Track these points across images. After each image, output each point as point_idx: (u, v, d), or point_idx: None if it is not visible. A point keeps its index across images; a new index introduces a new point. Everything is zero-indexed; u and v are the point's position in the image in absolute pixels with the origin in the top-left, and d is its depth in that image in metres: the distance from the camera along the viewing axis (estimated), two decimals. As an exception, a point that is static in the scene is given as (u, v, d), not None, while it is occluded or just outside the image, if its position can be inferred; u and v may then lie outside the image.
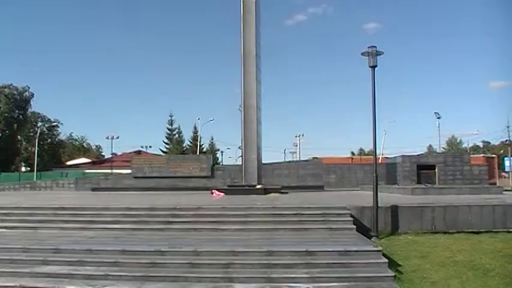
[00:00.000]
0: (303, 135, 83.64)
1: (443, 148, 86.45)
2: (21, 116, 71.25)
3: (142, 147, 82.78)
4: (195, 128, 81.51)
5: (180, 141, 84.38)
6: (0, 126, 67.81)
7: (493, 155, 61.08)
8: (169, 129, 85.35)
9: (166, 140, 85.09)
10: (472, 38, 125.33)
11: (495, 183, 42.26)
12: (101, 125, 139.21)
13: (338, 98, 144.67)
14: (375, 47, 15.89)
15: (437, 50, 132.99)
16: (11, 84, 69.74)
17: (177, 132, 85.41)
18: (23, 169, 72.63)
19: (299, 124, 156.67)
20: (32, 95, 71.80)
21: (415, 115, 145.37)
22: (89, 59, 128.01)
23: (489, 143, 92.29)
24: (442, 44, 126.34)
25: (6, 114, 67.84)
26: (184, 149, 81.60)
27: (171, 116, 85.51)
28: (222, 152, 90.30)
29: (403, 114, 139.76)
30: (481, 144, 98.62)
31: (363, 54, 15.90)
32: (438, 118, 66.44)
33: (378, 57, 15.83)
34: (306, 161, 45.71)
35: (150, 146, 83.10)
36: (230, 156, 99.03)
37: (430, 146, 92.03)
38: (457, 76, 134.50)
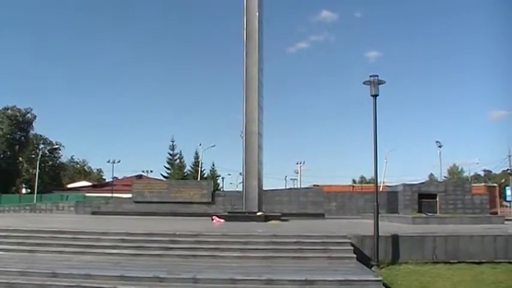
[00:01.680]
0: (304, 162, 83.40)
1: (445, 177, 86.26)
2: (23, 138, 71.48)
3: (143, 171, 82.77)
4: (197, 153, 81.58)
5: (181, 166, 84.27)
6: (2, 148, 68.01)
7: (495, 184, 60.94)
8: (170, 154, 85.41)
9: (167, 165, 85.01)
10: (472, 68, 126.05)
11: (496, 213, 42.10)
12: (102, 149, 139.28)
13: (339, 126, 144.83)
14: (377, 76, 15.98)
15: (437, 79, 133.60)
16: (14, 106, 70.17)
17: (178, 158, 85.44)
18: (24, 191, 72.59)
19: (300, 151, 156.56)
20: (35, 117, 72.28)
21: (417, 144, 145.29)
22: (93, 83, 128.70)
23: (490, 172, 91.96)
24: (442, 74, 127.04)
25: (8, 136, 68.08)
26: (185, 174, 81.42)
27: (172, 141, 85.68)
28: (223, 178, 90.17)
29: (404, 142, 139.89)
30: (482, 173, 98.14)
31: (364, 83, 15.99)
32: (439, 147, 66.48)
33: (379, 86, 15.92)
34: (307, 188, 45.49)
35: (151, 171, 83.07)
36: (231, 182, 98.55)
37: (432, 174, 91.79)
38: (458, 105, 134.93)
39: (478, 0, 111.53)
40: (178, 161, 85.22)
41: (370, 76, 15.98)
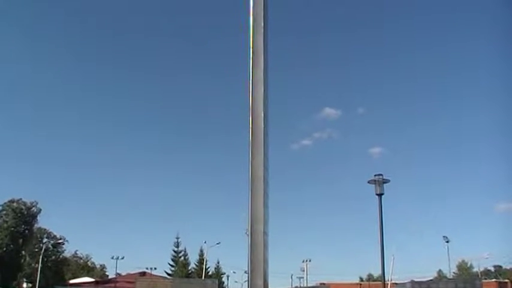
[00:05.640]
0: (310, 260, 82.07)
1: (454, 273, 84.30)
2: (27, 231, 71.09)
3: (147, 268, 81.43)
4: (201, 250, 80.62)
5: (186, 263, 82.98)
6: (5, 241, 67.49)
7: (506, 280, 59.56)
8: (175, 251, 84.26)
9: (171, 262, 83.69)
10: (475, 160, 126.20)
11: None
12: (106, 244, 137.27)
13: (345, 222, 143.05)
14: (381, 175, 16.14)
15: (442, 172, 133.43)
16: (20, 199, 70.42)
17: (183, 255, 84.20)
18: (25, 285, 71.31)
19: (306, 249, 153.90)
20: (40, 210, 72.19)
21: (423, 239, 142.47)
22: (96, 176, 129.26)
23: (501, 267, 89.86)
24: (444, 167, 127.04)
25: (12, 229, 67.75)
26: (190, 272, 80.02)
27: (177, 238, 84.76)
28: (228, 276, 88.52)
29: (411, 238, 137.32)
30: (492, 269, 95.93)
31: (369, 182, 16.12)
32: (447, 242, 65.69)
33: (384, 184, 16.02)
34: (314, 287, 44.59)
35: (155, 268, 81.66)
36: (236, 280, 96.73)
37: (440, 270, 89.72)
38: (463, 199, 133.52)
39: (477, 89, 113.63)
40: (182, 258, 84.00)
41: (375, 175, 16.15)
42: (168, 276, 72.88)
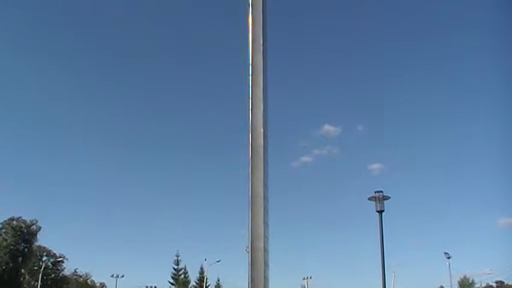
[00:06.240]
0: (311, 277, 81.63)
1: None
2: (26, 250, 70.77)
3: (147, 286, 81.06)
4: (202, 268, 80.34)
5: (186, 281, 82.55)
6: (4, 259, 67.18)
7: (509, 296, 59.22)
8: (175, 269, 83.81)
9: (172, 280, 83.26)
10: (476, 177, 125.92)
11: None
12: (106, 262, 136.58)
13: (346, 239, 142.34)
14: (382, 191, 16.12)
15: (443, 189, 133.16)
16: (20, 217, 70.23)
17: (183, 273, 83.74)
18: (24, 304, 70.87)
19: (307, 266, 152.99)
20: (40, 228, 71.92)
21: (425, 255, 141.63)
22: (96, 194, 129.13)
23: (503, 282, 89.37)
24: (447, 182, 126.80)
25: (12, 247, 67.48)
26: (190, 290, 79.81)
27: (177, 256, 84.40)
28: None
29: (412, 254, 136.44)
30: (494, 284, 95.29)
31: (369, 199, 16.11)
32: (448, 258, 65.41)
33: (384, 201, 16.02)
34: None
35: (155, 286, 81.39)
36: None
37: (442, 287, 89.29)
38: (465, 214, 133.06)
39: (478, 108, 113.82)
40: (183, 276, 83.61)
41: (375, 192, 16.13)
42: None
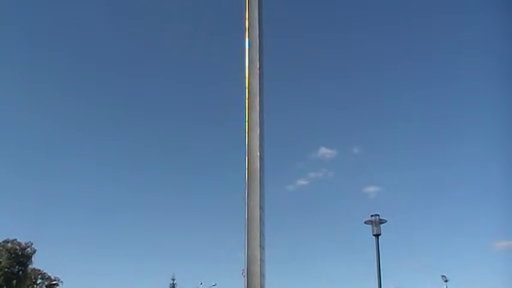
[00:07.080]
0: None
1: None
2: (21, 272, 70.17)
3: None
4: (198, 292, 79.55)
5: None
6: (-2, 282, 66.65)
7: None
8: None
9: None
10: (471, 200, 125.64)
11: None
12: (101, 285, 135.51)
13: (342, 263, 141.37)
14: (378, 215, 16.08)
15: (440, 211, 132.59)
16: (15, 240, 69.68)
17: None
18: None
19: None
20: (35, 251, 71.30)
21: (422, 278, 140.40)
22: (91, 217, 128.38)
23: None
24: (444, 205, 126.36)
25: (6, 270, 66.88)
26: (185, 314, 78.87)
27: (173, 279, 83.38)
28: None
29: (410, 277, 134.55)
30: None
31: (366, 223, 16.04)
32: (445, 281, 64.93)
33: (381, 225, 15.96)
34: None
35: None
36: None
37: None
38: (462, 238, 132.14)
39: (477, 130, 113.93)
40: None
41: (371, 216, 16.09)
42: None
